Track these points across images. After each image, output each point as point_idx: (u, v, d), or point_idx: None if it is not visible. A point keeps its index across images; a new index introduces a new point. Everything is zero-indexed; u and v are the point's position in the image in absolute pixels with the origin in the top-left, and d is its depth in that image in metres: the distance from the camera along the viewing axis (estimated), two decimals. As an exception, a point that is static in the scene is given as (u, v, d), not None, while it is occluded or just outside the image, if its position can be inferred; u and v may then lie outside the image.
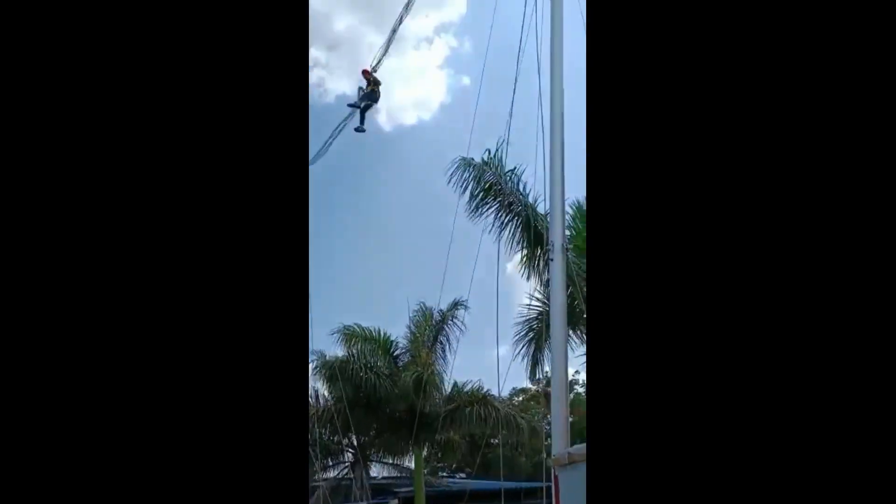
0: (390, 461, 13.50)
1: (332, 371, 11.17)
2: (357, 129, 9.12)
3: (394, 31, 7.97)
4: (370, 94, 8.81)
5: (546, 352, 8.91)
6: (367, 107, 8.92)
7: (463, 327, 11.58)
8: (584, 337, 8.20)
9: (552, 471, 2.60)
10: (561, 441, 3.22)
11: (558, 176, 4.12)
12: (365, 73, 8.83)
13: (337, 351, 11.97)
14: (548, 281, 5.54)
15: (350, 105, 9.12)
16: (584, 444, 2.36)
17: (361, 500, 11.29)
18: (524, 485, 11.48)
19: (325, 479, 12.31)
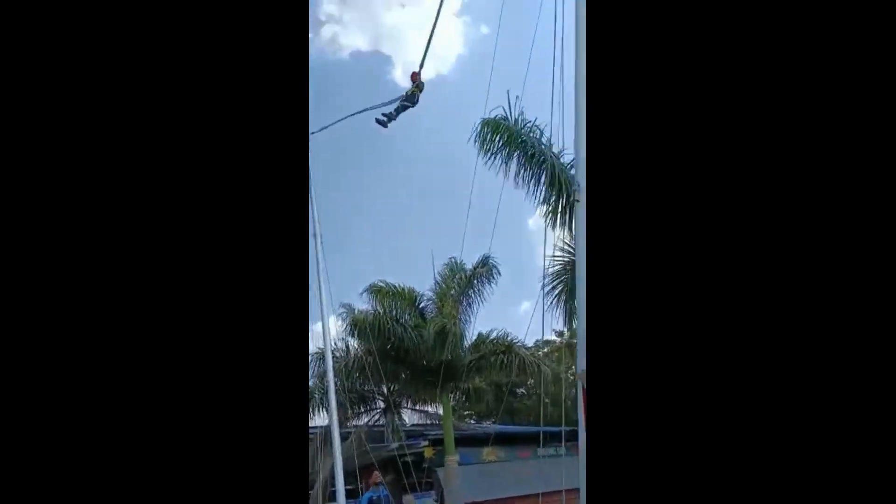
0: (420, 409, 14.11)
1: (362, 324, 11.57)
2: (379, 121, 8.39)
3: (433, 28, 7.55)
4: (411, 96, 8.14)
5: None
6: (403, 108, 8.35)
7: (494, 281, 11.85)
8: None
9: (578, 384, 2.81)
10: (585, 357, 3.40)
11: (583, 114, 4.16)
12: (414, 76, 8.15)
13: (366, 307, 12.39)
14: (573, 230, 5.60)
15: (380, 119, 8.29)
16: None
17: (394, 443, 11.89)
18: (546, 429, 11.90)
19: (357, 426, 12.96)
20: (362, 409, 13.28)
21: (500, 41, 6.73)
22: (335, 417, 8.37)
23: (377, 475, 7.94)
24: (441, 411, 12.82)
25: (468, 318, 12.01)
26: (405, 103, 8.28)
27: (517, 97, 8.16)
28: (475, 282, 11.96)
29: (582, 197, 4.61)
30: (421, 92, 8.27)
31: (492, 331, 12.25)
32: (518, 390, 17.66)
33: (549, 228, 8.25)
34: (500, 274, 11.91)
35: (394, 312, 12.07)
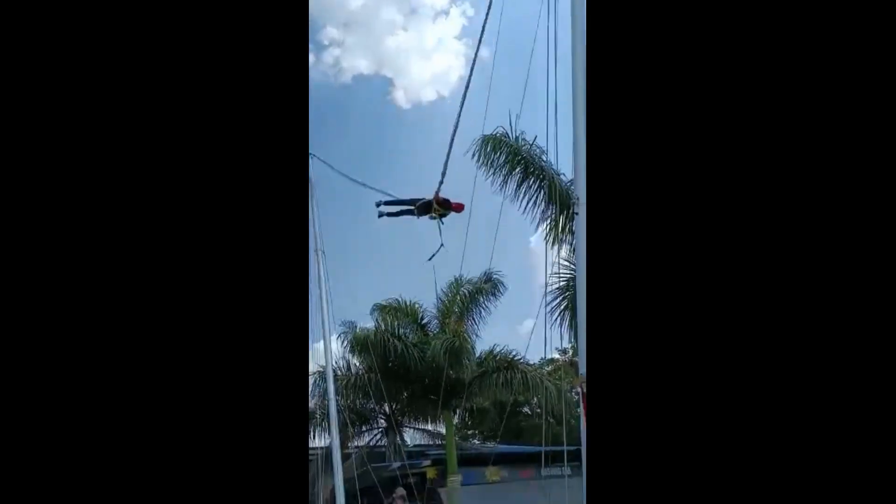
0: (421, 427, 13.92)
1: (363, 341, 11.48)
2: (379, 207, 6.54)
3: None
4: (427, 208, 6.32)
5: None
6: (411, 212, 6.52)
7: (499, 297, 11.80)
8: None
9: (580, 389, 2.78)
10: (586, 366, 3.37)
11: (582, 128, 4.18)
12: (444, 202, 6.47)
13: (369, 325, 12.31)
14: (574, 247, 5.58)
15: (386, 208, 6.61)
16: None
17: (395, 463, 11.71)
18: (550, 448, 11.71)
19: (359, 446, 12.77)
20: (363, 429, 13.11)
21: (500, 62, 6.79)
22: (336, 438, 8.26)
23: (400, 490, 7.74)
24: (444, 430, 12.65)
25: (472, 335, 11.93)
26: (411, 211, 6.50)
27: (517, 115, 8.21)
28: (480, 298, 11.90)
29: (581, 210, 4.62)
30: (448, 214, 6.47)
31: (494, 347, 12.16)
32: (522, 409, 17.41)
33: (551, 245, 8.24)
34: (506, 287, 11.86)
35: (396, 329, 11.98)
